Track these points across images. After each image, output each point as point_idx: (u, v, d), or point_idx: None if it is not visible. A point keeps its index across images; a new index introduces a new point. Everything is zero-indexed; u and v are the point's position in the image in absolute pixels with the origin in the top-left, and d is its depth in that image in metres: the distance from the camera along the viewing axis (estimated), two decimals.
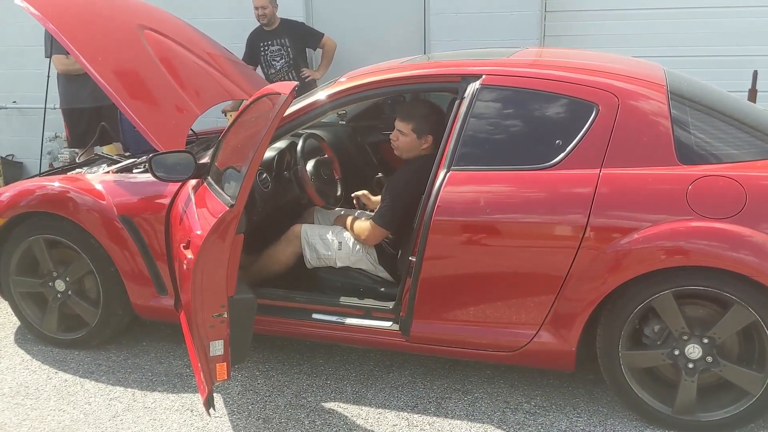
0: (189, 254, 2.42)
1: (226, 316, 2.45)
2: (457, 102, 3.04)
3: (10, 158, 7.36)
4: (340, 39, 6.46)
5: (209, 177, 2.98)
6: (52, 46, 5.17)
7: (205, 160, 3.15)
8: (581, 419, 2.94)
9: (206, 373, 2.49)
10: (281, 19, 5.85)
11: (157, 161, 2.92)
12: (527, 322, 2.88)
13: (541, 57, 3.53)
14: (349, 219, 3.41)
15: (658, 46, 5.78)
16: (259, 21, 5.76)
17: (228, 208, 2.32)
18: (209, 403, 2.52)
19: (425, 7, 6.19)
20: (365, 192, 3.76)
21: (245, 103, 3.11)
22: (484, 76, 3.01)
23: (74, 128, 5.61)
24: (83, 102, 5.43)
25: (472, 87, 3.00)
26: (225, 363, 2.51)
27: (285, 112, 2.32)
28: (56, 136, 7.05)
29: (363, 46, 6.37)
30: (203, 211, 2.77)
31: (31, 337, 3.75)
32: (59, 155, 6.95)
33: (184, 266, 2.48)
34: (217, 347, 2.47)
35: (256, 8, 5.66)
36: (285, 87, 2.29)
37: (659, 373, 2.89)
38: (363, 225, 3.29)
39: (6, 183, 7.05)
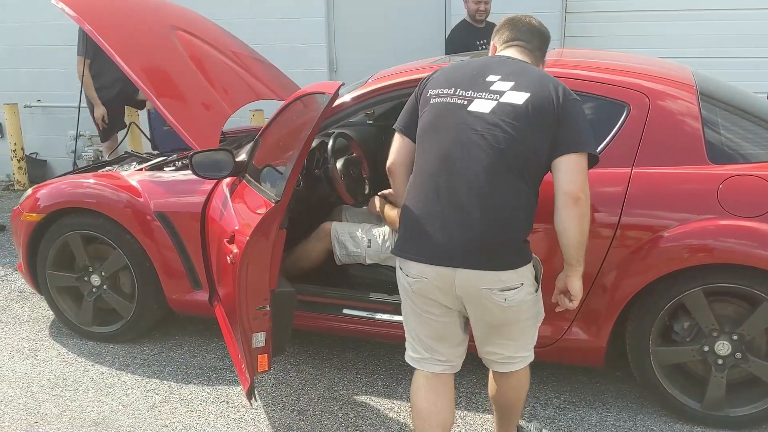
0: (234, 248, 2.49)
1: (268, 308, 2.52)
2: None
3: (34, 156, 7.46)
4: (361, 40, 6.55)
5: (247, 174, 3.05)
6: (86, 47, 5.30)
7: (241, 158, 3.22)
8: (611, 414, 2.99)
9: (249, 365, 2.56)
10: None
11: (197, 159, 2.98)
12: (558, 318, 2.93)
13: (569, 57, 3.57)
14: (386, 206, 3.25)
15: (677, 47, 5.83)
16: (475, 17, 5.44)
17: (273, 204, 2.38)
18: (251, 394, 2.59)
19: (446, 8, 6.26)
20: (391, 190, 3.81)
21: (283, 102, 3.17)
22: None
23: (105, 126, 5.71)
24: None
25: None
26: (266, 354, 2.58)
27: (330, 110, 2.38)
28: (80, 135, 7.13)
29: (384, 47, 6.45)
30: (243, 207, 2.84)
31: (65, 330, 3.83)
32: (83, 153, 7.04)
33: (228, 260, 2.54)
34: (259, 339, 2.53)
35: (478, 3, 5.37)
36: (329, 86, 2.36)
37: (688, 369, 2.93)
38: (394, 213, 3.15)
39: (30, 181, 7.16)
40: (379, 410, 3.04)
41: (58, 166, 7.39)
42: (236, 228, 2.78)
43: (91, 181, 3.64)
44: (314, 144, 3.88)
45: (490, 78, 2.31)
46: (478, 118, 2.23)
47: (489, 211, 2.17)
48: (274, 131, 3.13)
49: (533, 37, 2.47)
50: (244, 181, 3.04)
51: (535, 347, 2.96)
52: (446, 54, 5.43)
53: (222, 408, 3.08)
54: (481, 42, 5.37)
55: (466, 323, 2.37)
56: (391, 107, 4.40)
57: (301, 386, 3.24)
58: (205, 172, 3.00)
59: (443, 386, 2.38)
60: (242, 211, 2.85)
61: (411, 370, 3.30)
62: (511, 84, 2.27)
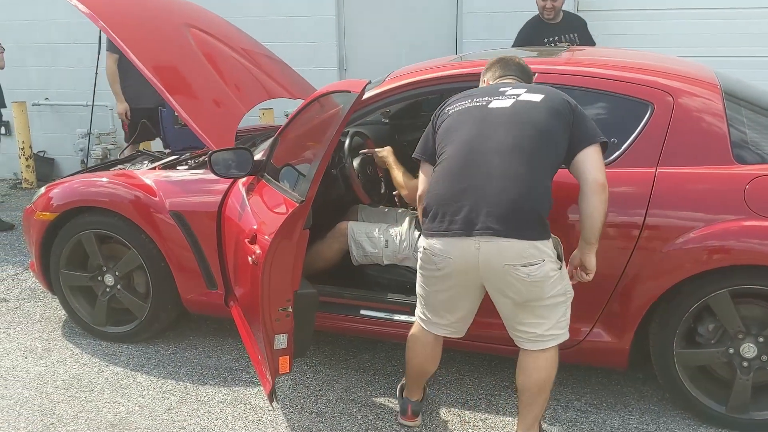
0: (257, 249, 2.46)
1: (291, 310, 2.49)
2: None
3: (42, 155, 7.43)
4: (371, 38, 6.51)
5: (266, 174, 3.02)
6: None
7: (258, 157, 3.19)
8: (633, 417, 2.95)
9: (271, 367, 2.52)
10: (563, 12, 5.21)
11: (216, 158, 2.95)
12: (582, 320, 2.90)
13: (591, 56, 3.54)
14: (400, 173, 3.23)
15: (689, 46, 5.77)
16: (543, 15, 5.12)
17: (297, 205, 2.35)
18: (273, 396, 2.56)
19: (458, 6, 6.22)
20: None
21: (304, 101, 3.13)
22: (535, 74, 3.03)
23: (131, 125, 5.62)
24: (146, 102, 5.43)
25: None
26: (288, 356, 2.55)
27: (356, 110, 2.34)
28: (88, 133, 7.11)
29: (395, 45, 6.41)
30: (262, 206, 2.80)
31: (78, 330, 3.80)
32: (91, 152, 7.01)
33: (250, 260, 2.51)
34: (281, 341, 2.50)
35: (546, 0, 5.02)
36: (355, 85, 2.32)
37: (713, 372, 2.90)
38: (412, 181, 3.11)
39: (38, 179, 7.13)
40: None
41: (66, 165, 7.36)
42: (255, 227, 2.75)
43: (105, 179, 3.61)
44: None
45: (503, 89, 2.61)
46: (499, 111, 2.50)
47: (511, 183, 2.36)
48: (294, 130, 3.09)
49: (522, 73, 2.78)
50: (263, 180, 3.00)
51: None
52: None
53: (240, 409, 3.04)
54: (550, 39, 5.10)
55: (481, 298, 2.55)
56: (407, 106, 4.39)
57: (319, 388, 3.21)
58: (224, 171, 2.96)
59: (436, 345, 2.72)
60: (261, 211, 2.81)
61: None
62: (524, 89, 2.58)
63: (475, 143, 2.45)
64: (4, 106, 5.73)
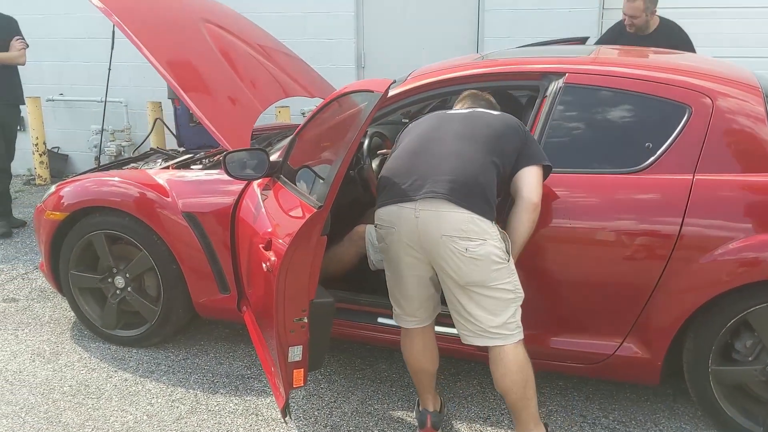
0: (272, 256, 2.33)
1: (306, 320, 2.36)
2: (537, 101, 2.93)
3: (55, 150, 7.36)
4: (390, 36, 6.38)
5: (282, 176, 2.89)
6: None
7: (275, 157, 3.06)
8: None
9: (285, 380, 2.40)
10: (660, 19, 4.67)
11: (230, 159, 2.83)
12: (611, 334, 2.76)
13: (624, 55, 3.38)
14: None
15: (726, 46, 5.56)
16: (627, 29, 4.67)
17: (316, 210, 2.22)
18: (287, 411, 2.43)
19: (479, 2, 6.07)
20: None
21: (324, 100, 3.00)
22: (566, 74, 2.89)
23: None
24: None
25: (555, 85, 2.89)
26: (302, 369, 2.42)
27: (378, 110, 2.21)
28: (101, 130, 7.02)
29: (414, 43, 6.28)
30: (278, 210, 2.68)
31: (88, 333, 3.70)
32: (105, 148, 6.93)
33: (265, 267, 2.38)
34: (296, 353, 2.37)
35: (625, 15, 4.62)
36: (379, 84, 2.19)
37: (749, 390, 2.74)
38: None
39: (52, 175, 7.06)
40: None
41: (80, 161, 7.29)
42: (270, 231, 2.62)
43: (117, 179, 3.50)
44: None
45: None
46: (456, 114, 2.71)
47: (462, 162, 2.44)
48: (312, 130, 2.96)
49: (490, 107, 2.85)
50: (279, 182, 2.87)
51: (584, 363, 2.81)
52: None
53: (251, 421, 2.92)
54: None
55: (435, 284, 2.57)
56: (428, 106, 4.25)
57: (334, 399, 3.08)
58: (239, 172, 2.84)
59: (417, 337, 2.68)
60: (277, 215, 2.68)
61: (448, 384, 3.18)
62: (484, 109, 2.76)
63: (432, 132, 2.60)
64: (23, 103, 5.63)
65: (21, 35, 5.39)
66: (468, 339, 2.51)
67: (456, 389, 3.15)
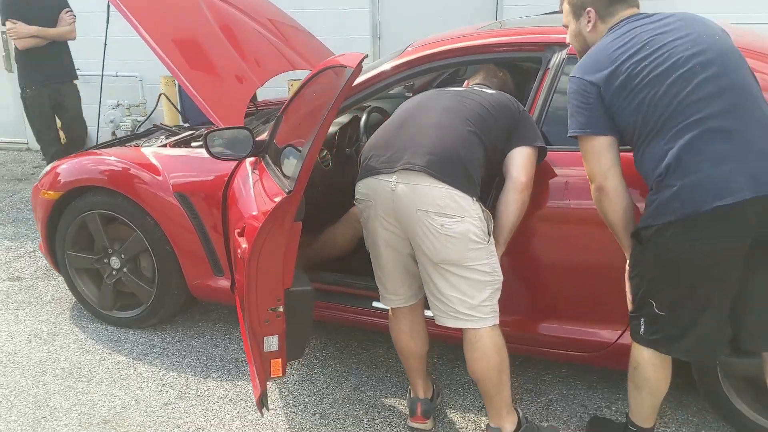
0: (244, 243, 2.22)
1: (281, 310, 2.26)
2: (540, 73, 2.75)
3: None
4: (407, 3, 6.18)
5: (267, 156, 2.77)
6: None
7: (264, 136, 2.94)
8: (669, 429, 2.66)
9: (260, 370, 2.30)
10: None
11: (212, 138, 2.72)
12: (613, 321, 2.60)
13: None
14: None
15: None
16: None
17: (285, 195, 2.10)
18: (263, 402, 2.34)
19: None
20: None
21: (307, 75, 2.87)
22: (570, 45, 2.70)
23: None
24: None
25: (558, 57, 2.71)
26: (280, 359, 2.32)
27: (350, 88, 2.07)
28: (118, 104, 6.99)
29: (431, 11, 6.06)
30: (261, 193, 2.57)
31: (86, 314, 3.67)
32: (121, 123, 6.90)
33: (239, 255, 2.28)
34: (272, 343, 2.28)
35: None
36: (352, 59, 2.04)
37: (760, 383, 2.57)
38: None
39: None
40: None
41: (97, 136, 7.26)
42: (253, 214, 2.52)
43: (111, 157, 3.42)
44: (346, 120, 3.59)
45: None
46: (450, 90, 2.60)
47: (443, 132, 2.33)
48: (295, 108, 2.83)
49: (501, 86, 2.81)
50: (263, 163, 2.76)
51: (586, 352, 2.68)
52: None
53: (239, 407, 2.85)
54: None
55: (413, 263, 2.44)
56: (434, 79, 4.08)
57: (326, 385, 3.00)
58: (221, 152, 2.73)
59: (404, 318, 2.59)
60: (260, 197, 2.58)
61: (445, 371, 3.06)
62: (492, 85, 2.77)
63: (419, 107, 2.51)
64: (77, 78, 5.47)
65: (69, 7, 5.11)
66: (441, 320, 2.40)
67: (453, 376, 3.04)
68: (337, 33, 5.95)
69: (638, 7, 2.33)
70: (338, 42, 5.98)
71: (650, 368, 2.25)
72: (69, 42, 5.27)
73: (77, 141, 5.33)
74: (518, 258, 2.70)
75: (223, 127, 2.79)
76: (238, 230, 2.39)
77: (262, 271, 2.17)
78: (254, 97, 4.07)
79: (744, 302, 2.12)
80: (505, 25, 3.34)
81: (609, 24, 2.28)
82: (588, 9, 2.32)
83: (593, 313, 2.67)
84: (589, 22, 2.33)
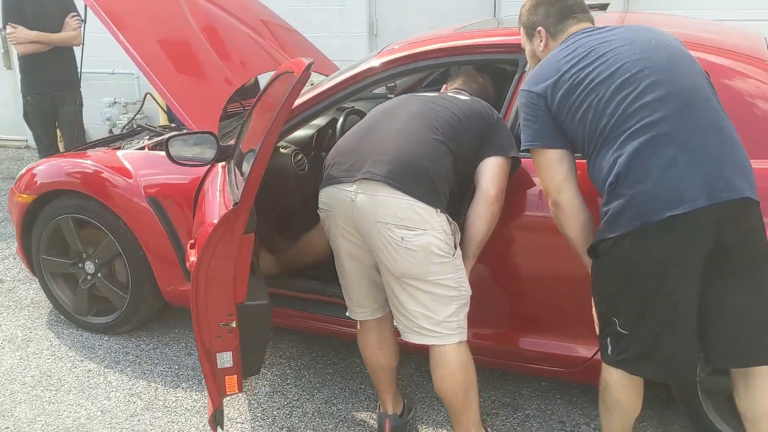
0: (192, 256, 2.14)
1: (234, 325, 2.17)
2: (516, 76, 2.64)
3: None
4: (405, 1, 6.06)
5: (232, 162, 2.69)
6: None
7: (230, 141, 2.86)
8: None
9: (213, 387, 2.22)
10: None
11: (175, 143, 2.63)
12: (590, 336, 2.49)
13: (622, 24, 3.03)
14: None
15: (740, 8, 5.04)
16: None
17: (232, 208, 2.01)
18: (216, 420, 2.26)
19: None
20: None
21: (270, 77, 2.77)
22: None
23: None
24: None
25: None
26: (235, 375, 2.24)
27: (297, 96, 1.97)
28: (115, 102, 6.95)
29: (429, 8, 5.94)
30: (212, 204, 2.48)
31: (63, 319, 3.60)
32: (117, 122, 6.85)
33: (188, 267, 2.20)
34: (225, 359, 2.19)
35: None
36: (298, 65, 1.94)
37: None
38: None
39: (66, 148, 7.01)
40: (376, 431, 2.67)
41: (94, 134, 7.22)
42: (213, 221, 2.43)
43: (87, 161, 3.35)
44: (324, 122, 3.49)
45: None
46: (420, 96, 2.50)
47: (407, 139, 2.23)
48: (258, 112, 2.74)
49: (480, 91, 2.71)
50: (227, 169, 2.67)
51: (564, 367, 2.59)
52: None
53: (205, 420, 2.77)
54: None
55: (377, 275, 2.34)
56: (419, 81, 3.98)
57: (297, 397, 2.91)
58: (184, 159, 2.64)
59: (372, 331, 2.49)
60: (221, 205, 2.49)
61: (421, 383, 2.97)
62: (471, 90, 2.68)
63: (386, 113, 2.43)
64: (79, 86, 5.21)
65: (76, 11, 4.83)
66: (405, 335, 2.31)
67: (429, 389, 2.94)
68: (334, 30, 5.86)
69: (591, 22, 2.24)
70: (336, 39, 5.90)
71: (620, 389, 2.14)
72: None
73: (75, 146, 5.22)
74: (494, 269, 2.60)
75: (186, 131, 2.69)
76: (192, 241, 2.31)
77: (212, 286, 2.08)
78: (247, 95, 3.98)
79: (706, 317, 1.99)
80: (487, 24, 3.22)
81: (559, 41, 2.19)
82: (539, 29, 2.26)
83: (570, 328, 2.57)
84: (541, 41, 2.26)
